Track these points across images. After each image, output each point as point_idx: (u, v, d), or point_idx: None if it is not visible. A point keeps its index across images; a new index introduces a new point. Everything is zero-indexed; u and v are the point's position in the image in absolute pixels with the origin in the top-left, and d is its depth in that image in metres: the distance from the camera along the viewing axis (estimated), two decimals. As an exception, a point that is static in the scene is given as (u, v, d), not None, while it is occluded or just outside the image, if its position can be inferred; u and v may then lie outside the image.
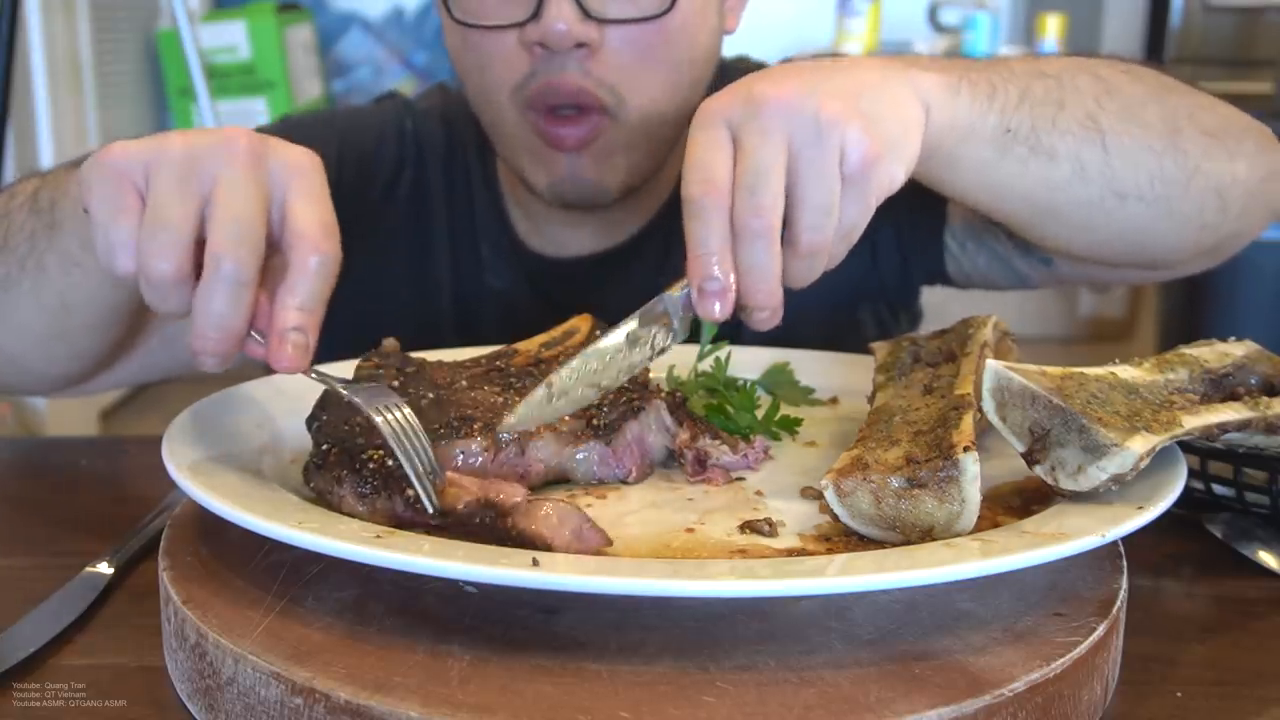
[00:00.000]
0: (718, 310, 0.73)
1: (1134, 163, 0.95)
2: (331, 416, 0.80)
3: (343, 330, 1.32)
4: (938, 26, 5.10)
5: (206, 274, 0.69)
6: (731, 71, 1.30)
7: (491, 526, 0.68)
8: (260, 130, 1.35)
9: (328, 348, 1.35)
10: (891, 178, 0.77)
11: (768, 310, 0.74)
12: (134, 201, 0.71)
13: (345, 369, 0.90)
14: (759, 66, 1.33)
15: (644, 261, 1.27)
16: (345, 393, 0.74)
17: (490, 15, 1.10)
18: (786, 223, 0.74)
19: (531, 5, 1.06)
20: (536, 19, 1.06)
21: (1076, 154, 0.93)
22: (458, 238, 1.30)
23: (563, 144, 1.12)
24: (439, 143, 1.31)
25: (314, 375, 0.75)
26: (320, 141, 1.30)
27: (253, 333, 0.72)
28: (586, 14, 1.06)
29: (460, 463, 0.77)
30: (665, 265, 1.27)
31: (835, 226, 0.74)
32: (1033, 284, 1.24)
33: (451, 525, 0.69)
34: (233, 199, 0.69)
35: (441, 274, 1.30)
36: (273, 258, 0.72)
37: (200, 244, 0.70)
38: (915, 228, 1.24)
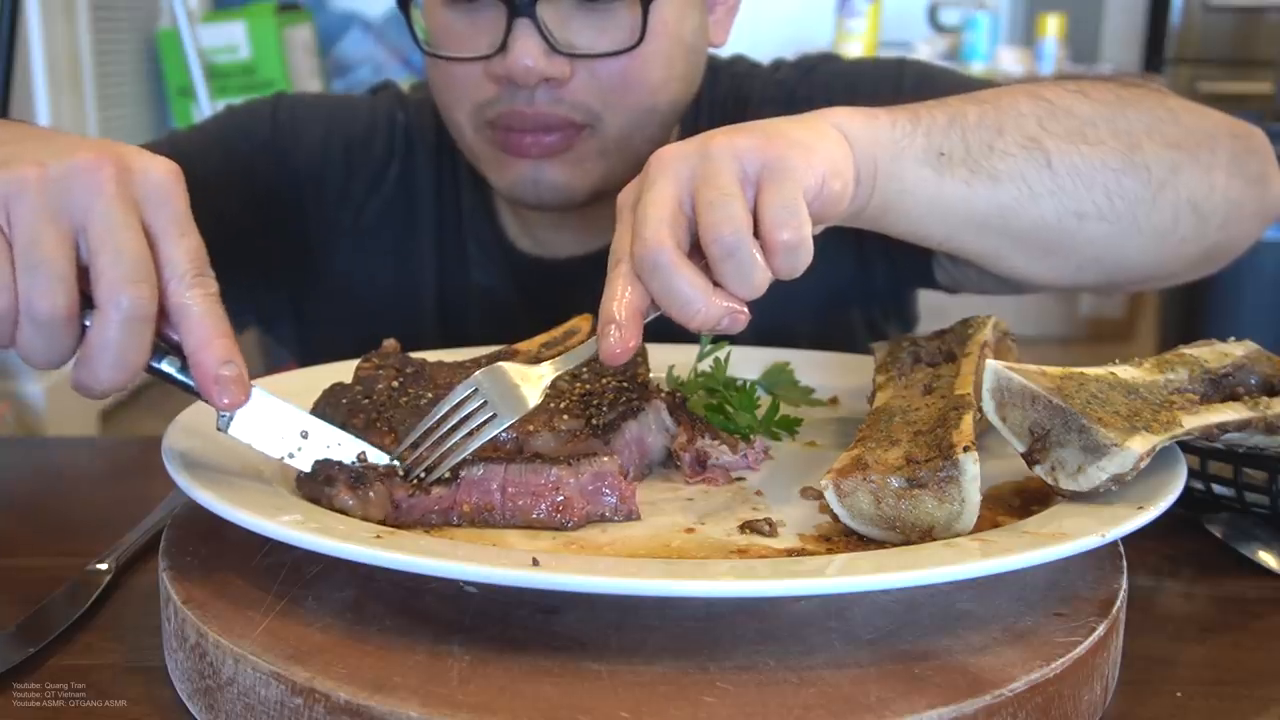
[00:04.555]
0: (612, 347, 0.71)
1: (1087, 181, 0.93)
2: (328, 419, 0.80)
3: (327, 320, 1.32)
4: (938, 26, 5.11)
5: (105, 311, 0.65)
6: (725, 74, 1.30)
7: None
8: (252, 105, 1.34)
9: (313, 338, 1.36)
10: (811, 170, 0.74)
11: (713, 319, 0.71)
12: None
13: (345, 370, 0.90)
14: (754, 66, 1.33)
15: None
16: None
17: (457, 47, 1.08)
18: (701, 244, 0.72)
19: (497, 39, 1.04)
20: (502, 53, 1.04)
21: (1021, 175, 0.91)
22: (444, 232, 1.29)
23: (525, 152, 1.10)
24: (430, 137, 1.30)
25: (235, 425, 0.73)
26: (308, 124, 1.31)
27: (165, 367, 0.70)
28: (553, 49, 1.04)
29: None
30: None
31: (740, 220, 0.70)
32: (1029, 289, 1.22)
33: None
34: (116, 234, 0.66)
35: (425, 268, 1.29)
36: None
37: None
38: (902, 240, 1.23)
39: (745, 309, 0.71)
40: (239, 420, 0.72)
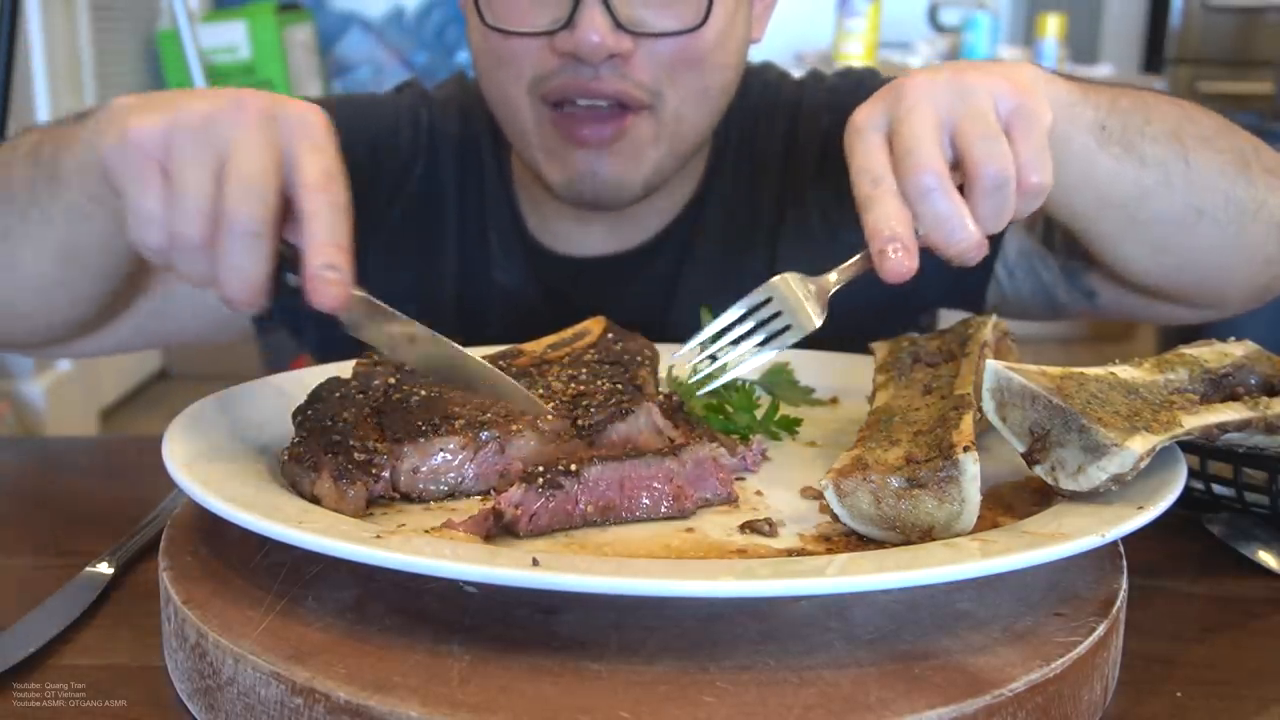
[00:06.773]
0: (899, 264, 0.74)
1: (1211, 183, 0.99)
2: (320, 410, 0.80)
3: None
4: (938, 26, 5.10)
5: (220, 232, 0.72)
6: (756, 80, 1.30)
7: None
8: None
9: (335, 336, 1.35)
10: (1043, 116, 0.79)
11: (970, 248, 0.75)
12: (156, 175, 0.73)
13: (345, 367, 0.90)
14: (784, 74, 1.33)
15: (656, 268, 1.26)
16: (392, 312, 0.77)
17: (520, 21, 1.08)
18: (965, 175, 0.76)
19: (564, 13, 1.05)
20: (569, 28, 1.05)
21: (1163, 163, 0.97)
22: (467, 231, 1.29)
23: (585, 141, 1.10)
24: (454, 135, 1.30)
25: (356, 306, 0.76)
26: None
27: (292, 281, 0.74)
28: (619, 25, 1.05)
29: (439, 460, 0.77)
30: (678, 274, 1.26)
31: (1010, 159, 0.75)
32: (1068, 316, 1.24)
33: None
34: (244, 160, 0.72)
35: (448, 267, 1.29)
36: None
37: None
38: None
39: (986, 241, 0.76)
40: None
